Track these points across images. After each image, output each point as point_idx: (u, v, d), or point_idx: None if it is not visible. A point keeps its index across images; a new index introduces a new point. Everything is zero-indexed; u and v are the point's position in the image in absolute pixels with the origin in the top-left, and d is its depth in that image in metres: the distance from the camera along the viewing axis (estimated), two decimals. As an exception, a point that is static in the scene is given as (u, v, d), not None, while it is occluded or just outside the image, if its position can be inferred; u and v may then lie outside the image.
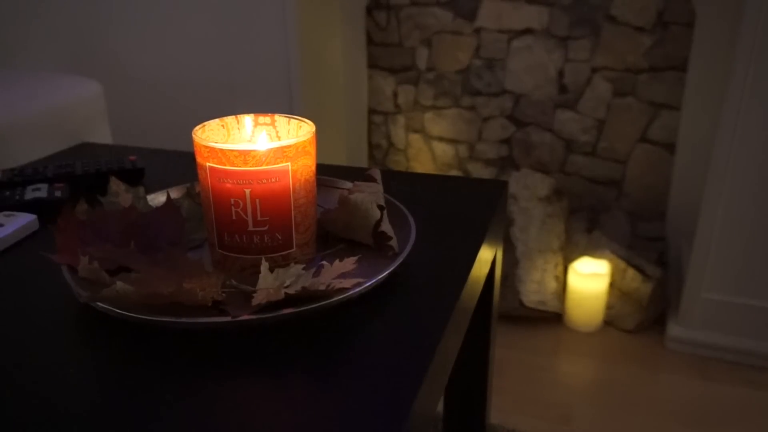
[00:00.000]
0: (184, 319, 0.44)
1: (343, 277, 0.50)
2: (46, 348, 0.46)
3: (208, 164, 0.51)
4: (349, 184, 0.68)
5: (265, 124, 0.59)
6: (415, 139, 2.10)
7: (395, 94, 2.07)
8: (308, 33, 1.79)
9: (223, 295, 0.48)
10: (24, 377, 0.43)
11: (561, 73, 1.85)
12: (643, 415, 1.39)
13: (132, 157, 0.80)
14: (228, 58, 1.85)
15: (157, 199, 0.67)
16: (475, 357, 0.82)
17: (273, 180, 0.51)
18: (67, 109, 0.98)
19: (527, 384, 1.49)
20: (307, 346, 0.45)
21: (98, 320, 0.47)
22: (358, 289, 0.48)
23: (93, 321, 0.48)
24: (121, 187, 0.65)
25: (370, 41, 2.03)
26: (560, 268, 1.69)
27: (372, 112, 2.12)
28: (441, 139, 2.06)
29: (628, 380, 1.50)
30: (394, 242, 0.56)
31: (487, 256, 0.68)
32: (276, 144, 0.50)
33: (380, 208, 0.58)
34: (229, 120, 0.58)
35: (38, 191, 0.69)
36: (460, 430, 0.87)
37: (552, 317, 1.70)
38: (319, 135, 1.97)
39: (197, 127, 0.54)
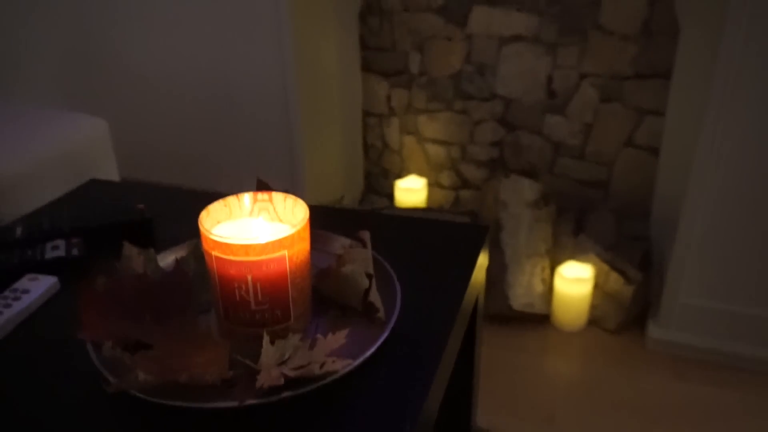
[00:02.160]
0: (196, 405, 0.51)
1: (335, 353, 0.57)
2: (71, 421, 0.53)
3: (214, 253, 0.57)
4: (341, 242, 0.75)
5: (263, 200, 0.65)
6: (409, 140, 2.15)
7: (389, 97, 2.12)
8: (302, 38, 1.84)
9: (230, 373, 0.55)
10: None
11: (550, 79, 1.90)
12: (622, 415, 1.47)
13: (141, 206, 0.86)
14: (224, 65, 1.90)
15: (167, 258, 0.74)
16: (462, 365, 0.88)
17: (272, 267, 0.57)
18: (77, 148, 1.04)
19: (513, 385, 1.57)
20: (306, 419, 0.52)
21: (120, 396, 0.54)
22: (348, 368, 0.55)
23: (115, 396, 0.54)
24: (134, 251, 0.71)
25: (363, 46, 2.07)
26: (547, 271, 1.77)
27: (366, 114, 2.18)
28: (434, 140, 2.12)
29: (610, 380, 1.58)
30: (381, 313, 0.62)
31: (470, 300, 0.75)
32: (274, 237, 0.56)
33: (369, 276, 0.65)
34: (231, 199, 0.64)
35: (57, 249, 0.76)
36: (447, 431, 0.94)
37: (539, 317, 1.77)
38: (315, 137, 2.03)
39: (203, 212, 0.61)
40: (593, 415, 1.48)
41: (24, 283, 0.69)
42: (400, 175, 2.20)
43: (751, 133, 1.40)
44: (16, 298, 0.66)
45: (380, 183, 2.27)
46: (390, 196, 2.21)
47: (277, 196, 0.65)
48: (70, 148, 1.03)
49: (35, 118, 1.07)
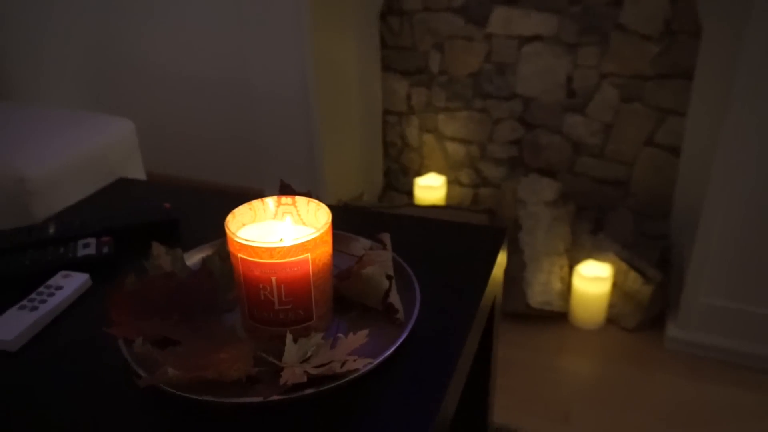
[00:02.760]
0: (222, 400, 0.54)
1: (356, 352, 0.59)
2: (102, 413, 0.56)
3: (239, 255, 0.59)
4: (362, 244, 0.77)
5: (287, 204, 0.67)
6: (429, 138, 2.17)
7: (409, 96, 2.13)
8: (323, 38, 1.86)
9: (255, 370, 0.57)
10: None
11: (570, 79, 1.90)
12: (639, 416, 1.48)
13: (167, 205, 0.89)
14: (245, 64, 1.92)
15: (194, 257, 0.76)
16: (479, 364, 0.90)
17: (295, 269, 0.59)
18: (105, 149, 1.07)
19: (530, 383, 1.58)
20: (327, 415, 0.54)
21: (149, 390, 0.57)
22: (368, 368, 0.57)
23: (144, 390, 0.57)
24: (162, 250, 0.74)
25: (384, 45, 2.09)
26: (565, 269, 1.77)
27: (386, 112, 2.19)
28: (454, 139, 2.13)
29: (627, 379, 1.59)
30: (400, 314, 0.64)
31: (487, 300, 0.76)
32: (298, 241, 0.58)
33: (389, 278, 0.67)
34: (255, 203, 0.66)
35: (88, 247, 0.78)
36: (463, 429, 0.96)
37: (557, 315, 1.78)
38: (336, 134, 2.05)
39: (229, 216, 0.63)
40: (610, 414, 1.48)
41: (58, 279, 0.72)
42: (419, 173, 2.21)
43: (772, 133, 1.40)
44: (51, 294, 0.69)
45: (400, 180, 2.29)
46: (409, 193, 2.23)
47: (301, 200, 0.67)
48: (98, 149, 1.06)
49: (65, 120, 1.10)
